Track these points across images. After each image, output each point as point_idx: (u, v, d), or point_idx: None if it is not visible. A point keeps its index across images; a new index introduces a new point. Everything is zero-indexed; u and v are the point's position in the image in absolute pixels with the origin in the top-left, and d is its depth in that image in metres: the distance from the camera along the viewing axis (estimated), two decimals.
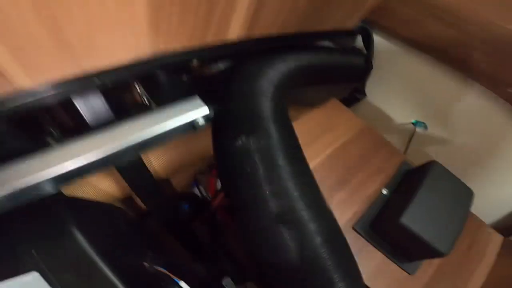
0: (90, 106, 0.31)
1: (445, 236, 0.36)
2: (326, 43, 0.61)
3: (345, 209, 0.43)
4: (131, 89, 0.36)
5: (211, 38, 0.32)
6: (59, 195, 0.30)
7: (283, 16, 0.37)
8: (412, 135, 0.58)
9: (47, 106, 0.31)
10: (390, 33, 0.57)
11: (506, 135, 0.49)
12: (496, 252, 0.45)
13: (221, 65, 0.43)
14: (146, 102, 0.37)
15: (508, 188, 0.52)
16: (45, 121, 0.31)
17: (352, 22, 0.54)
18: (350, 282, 0.29)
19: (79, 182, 0.38)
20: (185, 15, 0.27)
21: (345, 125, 0.53)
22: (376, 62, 0.59)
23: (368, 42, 0.58)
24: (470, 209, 0.41)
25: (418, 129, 0.58)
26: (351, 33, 0.57)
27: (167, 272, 0.37)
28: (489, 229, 0.48)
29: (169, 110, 0.35)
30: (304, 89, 0.56)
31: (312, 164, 0.45)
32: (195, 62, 0.36)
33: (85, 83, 0.26)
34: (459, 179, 0.43)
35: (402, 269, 0.40)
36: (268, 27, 0.38)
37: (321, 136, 0.49)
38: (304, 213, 0.29)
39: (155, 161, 0.44)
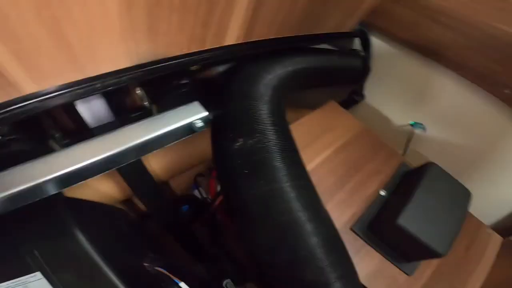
0: (91, 109, 0.32)
1: (443, 236, 0.37)
2: (325, 46, 0.61)
3: (344, 210, 0.43)
4: (132, 92, 0.37)
5: (210, 40, 0.33)
6: (61, 197, 0.30)
7: (281, 19, 0.38)
8: (410, 136, 0.59)
9: (49, 110, 0.32)
10: (388, 35, 0.58)
11: (504, 136, 0.50)
12: (495, 252, 0.45)
13: (220, 68, 0.44)
14: (147, 105, 0.37)
15: (507, 188, 0.52)
16: (47, 125, 0.32)
17: (350, 25, 0.54)
18: (347, 282, 0.29)
19: (81, 184, 0.38)
20: (185, 18, 0.28)
21: (344, 127, 0.53)
22: (374, 64, 0.60)
23: (366, 44, 0.58)
24: (467, 210, 0.41)
25: (417, 131, 0.58)
26: (349, 36, 0.58)
27: (167, 273, 0.37)
28: (488, 229, 0.48)
29: (168, 113, 0.36)
30: (303, 92, 0.56)
31: (311, 165, 0.46)
32: (194, 66, 0.37)
33: (87, 87, 0.26)
34: (457, 180, 0.43)
35: (400, 269, 0.40)
36: (266, 29, 0.38)
37: (320, 138, 0.50)
38: (301, 214, 0.30)
39: (156, 164, 0.45)
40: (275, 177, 0.31)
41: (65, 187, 0.30)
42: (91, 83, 0.26)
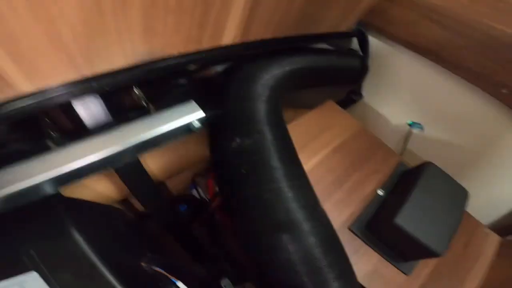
0: (89, 109, 0.32)
1: (440, 236, 0.37)
2: (323, 46, 0.61)
3: (342, 210, 0.43)
4: (129, 92, 0.37)
5: (207, 41, 0.33)
6: (58, 196, 0.30)
7: (278, 18, 0.38)
8: (408, 136, 0.59)
9: (46, 110, 0.32)
10: (386, 35, 0.58)
11: (502, 135, 0.50)
12: (493, 252, 0.45)
13: (217, 69, 0.44)
14: (145, 105, 0.37)
15: (505, 188, 0.52)
16: (44, 124, 0.32)
17: (347, 24, 0.54)
18: (345, 282, 0.29)
19: (77, 184, 0.38)
20: (181, 19, 0.28)
21: (342, 126, 0.53)
22: (372, 64, 0.60)
23: (364, 44, 0.59)
24: (465, 209, 0.41)
25: (414, 130, 0.58)
26: (347, 35, 0.58)
27: (165, 273, 0.37)
28: (486, 229, 0.48)
29: (166, 113, 0.36)
30: (300, 91, 0.56)
31: (309, 165, 0.46)
32: (192, 66, 0.37)
33: (84, 87, 0.26)
34: (454, 180, 0.43)
35: (398, 269, 0.40)
36: (263, 29, 0.38)
37: (318, 137, 0.50)
38: (298, 214, 0.30)
39: (153, 164, 0.45)
40: (272, 177, 0.31)
41: (62, 186, 0.30)
42: (87, 83, 0.26)
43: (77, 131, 0.32)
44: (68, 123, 0.34)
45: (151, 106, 0.37)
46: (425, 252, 0.36)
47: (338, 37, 0.57)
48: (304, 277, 0.28)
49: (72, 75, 0.25)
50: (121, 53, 0.27)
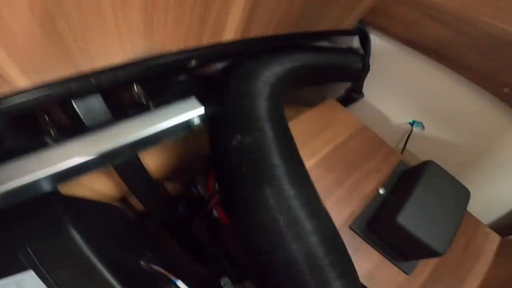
0: (87, 105, 0.32)
1: (442, 235, 0.37)
2: (324, 43, 0.61)
3: (343, 208, 0.43)
4: (129, 89, 0.37)
5: (207, 38, 0.33)
6: (55, 194, 0.30)
7: (279, 15, 0.38)
8: (409, 134, 0.59)
9: (44, 106, 0.31)
10: (387, 34, 0.57)
11: (503, 135, 0.50)
12: (494, 251, 0.45)
13: (218, 65, 0.44)
14: (144, 102, 0.37)
15: (506, 187, 0.52)
16: (42, 121, 0.32)
17: (349, 23, 0.54)
18: (346, 281, 0.29)
19: (75, 182, 0.38)
20: (181, 15, 0.27)
21: (343, 124, 0.53)
22: (373, 62, 0.59)
23: (365, 42, 0.58)
24: (466, 209, 0.41)
25: (415, 129, 0.58)
26: (349, 34, 0.58)
27: (165, 272, 0.37)
28: (486, 228, 0.48)
29: (165, 110, 0.35)
30: (301, 89, 0.56)
31: (310, 163, 0.46)
32: (193, 63, 0.36)
33: (82, 83, 0.26)
34: (456, 179, 0.43)
35: (399, 268, 0.40)
36: (264, 26, 0.38)
37: (319, 135, 0.49)
38: (300, 213, 0.29)
39: (153, 162, 0.44)
40: (274, 175, 0.30)
41: (60, 183, 0.29)
42: (85, 79, 0.26)
43: (75, 127, 0.32)
44: (66, 119, 0.33)
45: (150, 103, 0.37)
46: (427, 252, 0.36)
47: (339, 35, 0.57)
48: (305, 276, 0.28)
49: (70, 71, 0.25)
50: (120, 48, 0.26)
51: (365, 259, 0.40)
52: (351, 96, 0.64)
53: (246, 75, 0.39)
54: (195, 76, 0.42)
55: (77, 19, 0.22)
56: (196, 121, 0.36)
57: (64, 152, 0.29)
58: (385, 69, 0.60)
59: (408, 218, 0.37)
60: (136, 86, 0.36)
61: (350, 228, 0.42)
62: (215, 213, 0.52)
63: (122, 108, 0.35)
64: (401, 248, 0.40)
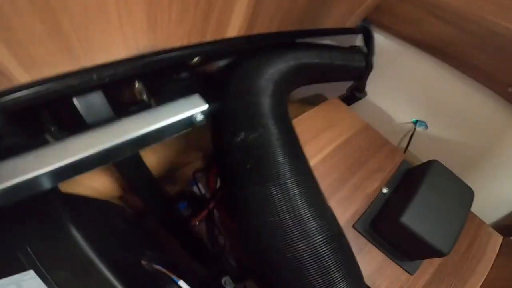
0: (88, 102, 0.31)
1: (446, 235, 0.36)
2: (328, 42, 0.61)
3: (346, 207, 0.43)
4: (130, 85, 0.36)
5: (210, 34, 0.32)
6: (55, 192, 0.29)
7: (282, 13, 0.37)
8: (412, 134, 0.58)
9: (44, 102, 0.31)
10: (391, 32, 0.57)
11: (507, 134, 0.49)
12: (496, 251, 0.45)
13: (221, 62, 0.43)
14: (146, 99, 0.36)
15: (509, 187, 0.52)
16: (43, 118, 0.31)
17: (352, 21, 0.54)
18: (352, 281, 0.29)
19: (73, 181, 0.37)
20: (185, 12, 0.27)
21: (346, 123, 0.52)
22: (377, 61, 0.59)
23: (369, 41, 0.58)
24: (470, 209, 0.41)
25: (419, 128, 0.58)
26: (352, 32, 0.57)
27: (166, 271, 0.36)
28: (489, 228, 0.48)
29: (168, 106, 0.35)
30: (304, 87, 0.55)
31: (313, 161, 0.45)
32: (196, 60, 0.36)
33: (83, 79, 0.25)
34: (460, 178, 0.43)
35: (403, 268, 0.40)
36: (267, 24, 0.37)
37: (322, 134, 0.49)
38: (305, 212, 0.29)
39: (154, 159, 0.44)
40: (278, 173, 0.30)
41: (60, 180, 0.29)
42: (87, 74, 0.25)
43: (76, 125, 0.31)
44: (67, 116, 0.33)
45: (152, 100, 0.36)
46: (431, 252, 0.36)
47: (343, 33, 0.56)
48: (310, 277, 0.27)
49: (71, 66, 0.24)
50: (122, 44, 0.26)
51: (368, 259, 0.40)
52: (354, 95, 0.63)
53: (250, 72, 0.38)
54: (197, 74, 0.42)
55: (79, 15, 0.21)
56: (199, 118, 0.36)
57: (64, 149, 0.29)
58: (388, 68, 0.60)
59: (412, 218, 0.36)
60: (138, 83, 0.35)
61: (354, 227, 0.41)
62: (216, 212, 0.51)
63: (123, 105, 0.35)
64: (405, 248, 0.40)
